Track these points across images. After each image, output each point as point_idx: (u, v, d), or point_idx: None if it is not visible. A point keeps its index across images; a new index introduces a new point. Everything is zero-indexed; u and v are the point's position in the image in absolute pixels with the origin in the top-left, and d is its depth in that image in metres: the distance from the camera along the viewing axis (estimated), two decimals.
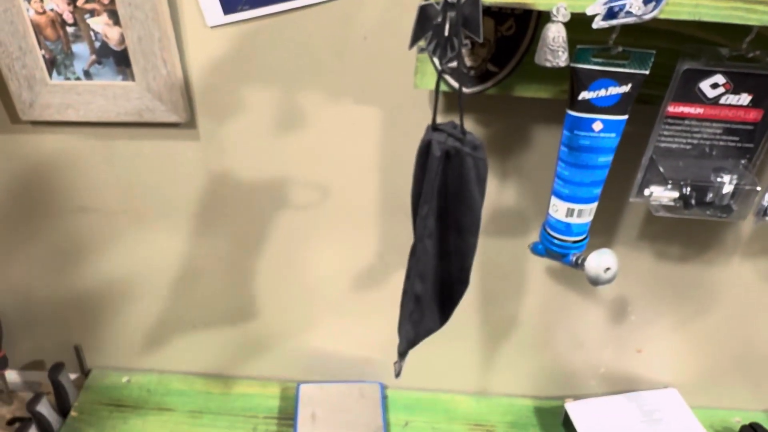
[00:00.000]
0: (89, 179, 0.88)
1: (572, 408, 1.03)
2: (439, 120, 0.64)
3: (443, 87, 0.72)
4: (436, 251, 0.67)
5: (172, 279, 0.99)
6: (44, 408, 0.96)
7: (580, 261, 0.70)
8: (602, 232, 0.89)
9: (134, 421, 1.03)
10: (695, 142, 0.69)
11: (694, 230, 0.89)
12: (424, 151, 0.63)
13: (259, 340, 1.07)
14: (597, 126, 0.64)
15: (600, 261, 0.67)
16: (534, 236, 0.81)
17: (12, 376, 1.09)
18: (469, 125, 0.80)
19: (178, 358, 1.10)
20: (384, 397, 1.08)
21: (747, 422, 1.02)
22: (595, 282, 0.68)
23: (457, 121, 0.61)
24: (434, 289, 0.70)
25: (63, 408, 1.03)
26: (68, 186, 0.89)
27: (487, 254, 0.92)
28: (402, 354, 0.76)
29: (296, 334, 1.06)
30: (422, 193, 0.64)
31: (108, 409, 1.04)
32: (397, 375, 0.77)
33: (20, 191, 0.90)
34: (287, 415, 1.05)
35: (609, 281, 0.68)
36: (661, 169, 0.70)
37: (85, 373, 1.10)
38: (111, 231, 0.94)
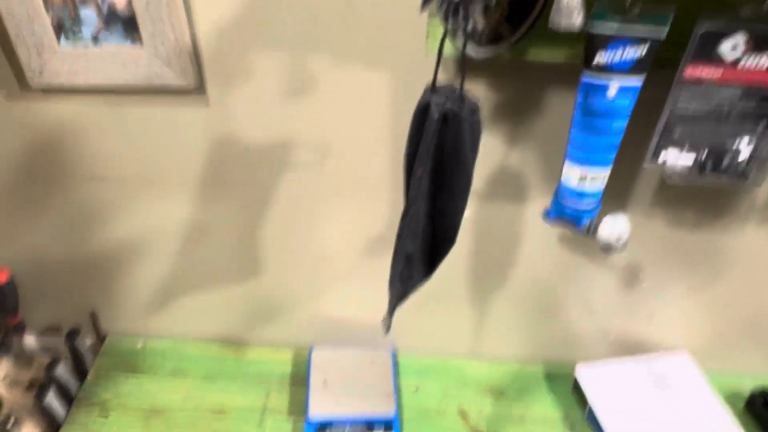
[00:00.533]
0: (100, 146, 0.88)
1: (582, 373, 1.03)
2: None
3: (455, 52, 0.71)
4: (428, 212, 0.68)
5: (185, 245, 0.99)
6: (62, 372, 0.98)
7: (592, 228, 0.70)
8: (615, 198, 0.88)
9: (149, 386, 1.05)
10: (712, 106, 0.68)
11: (708, 196, 0.88)
12: (421, 112, 0.63)
13: (271, 306, 1.08)
14: (612, 90, 0.63)
15: (612, 228, 0.67)
16: (546, 203, 0.81)
17: (29, 340, 1.10)
18: (481, 90, 0.79)
19: (191, 324, 1.11)
20: (395, 363, 1.09)
21: (757, 386, 1.02)
22: (607, 250, 0.68)
23: (456, 83, 0.60)
24: (424, 247, 0.71)
25: (80, 372, 1.05)
26: (80, 153, 0.89)
27: (498, 220, 0.92)
28: (391, 311, 0.77)
29: (308, 299, 1.07)
30: (417, 154, 0.64)
31: (124, 374, 1.06)
32: (387, 331, 0.78)
33: (33, 158, 0.90)
34: (300, 380, 1.06)
35: (621, 248, 0.68)
36: (677, 135, 0.68)
37: (101, 338, 1.12)
38: (123, 197, 0.94)
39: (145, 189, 0.93)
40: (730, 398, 1.04)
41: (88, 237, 0.99)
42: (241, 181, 0.91)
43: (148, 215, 0.96)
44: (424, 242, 0.70)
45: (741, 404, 1.03)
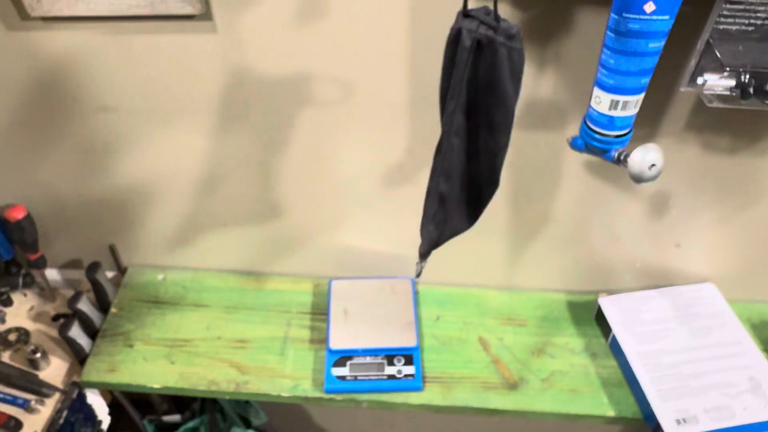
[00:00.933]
0: (107, 77, 0.85)
1: (606, 302, 1.02)
2: (474, 5, 0.58)
3: None
4: (464, 149, 0.64)
5: (201, 177, 0.98)
6: (85, 305, 0.99)
7: (622, 157, 0.66)
8: (645, 123, 0.83)
9: (172, 316, 1.06)
10: (759, 22, 0.62)
11: (745, 120, 0.83)
12: (454, 40, 0.59)
13: (290, 237, 1.07)
14: (649, 7, 0.57)
15: (645, 157, 0.63)
16: (573, 129, 0.77)
17: (52, 274, 1.12)
18: (505, 10, 0.73)
19: (211, 256, 1.11)
20: (415, 293, 1.08)
21: None
22: (638, 179, 0.64)
23: (491, 5, 0.55)
24: (461, 189, 0.68)
25: (103, 305, 1.06)
26: (87, 84, 0.86)
27: (523, 148, 0.88)
28: (423, 255, 0.75)
29: (327, 230, 1.05)
30: (450, 87, 0.60)
31: (147, 305, 1.07)
32: (418, 275, 0.77)
33: (39, 90, 0.87)
34: (320, 310, 1.07)
35: (653, 179, 0.64)
36: (719, 54, 0.63)
37: (121, 271, 1.13)
38: (135, 129, 0.92)
39: (158, 121, 0.90)
40: (757, 328, 1.03)
41: (103, 171, 0.98)
42: (255, 111, 0.88)
43: (162, 147, 0.94)
44: (462, 184, 0.66)
45: (767, 334, 1.02)
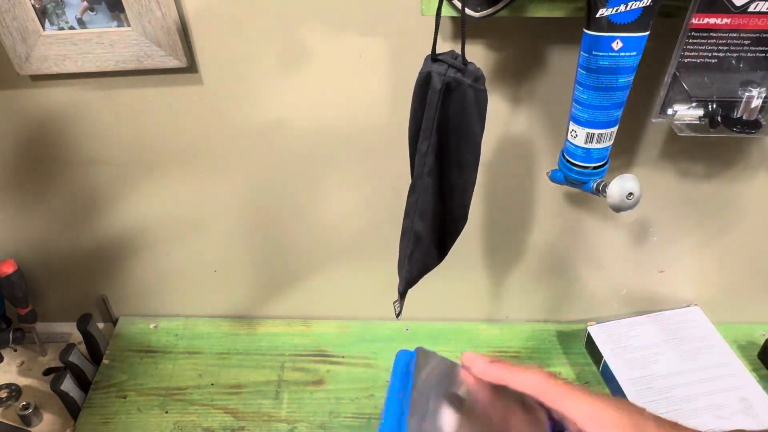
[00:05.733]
0: (96, 131, 0.87)
1: (595, 330, 1.03)
2: (447, 48, 0.61)
3: (451, 12, 0.68)
4: (436, 188, 0.65)
5: (189, 225, 0.99)
6: (77, 358, 0.98)
7: (601, 188, 0.68)
8: (621, 153, 0.86)
9: (165, 364, 1.05)
10: (721, 55, 0.65)
11: (718, 147, 0.86)
12: (423, 83, 0.60)
13: (280, 280, 1.07)
14: (617, 45, 0.60)
15: (622, 187, 0.65)
16: (552, 163, 0.79)
17: (42, 328, 1.11)
18: (479, 51, 0.77)
19: (202, 303, 1.11)
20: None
21: None
22: (617, 209, 0.66)
23: (457, 50, 0.58)
24: (434, 226, 0.68)
25: (95, 356, 1.05)
26: (76, 139, 0.88)
27: (504, 183, 0.91)
28: (402, 294, 0.75)
29: (317, 272, 1.06)
30: (422, 128, 0.62)
31: (139, 355, 1.07)
32: (398, 315, 0.77)
33: (29, 146, 0.89)
34: (313, 351, 1.07)
35: (632, 207, 0.66)
36: (685, 86, 0.66)
37: (113, 321, 1.13)
38: (124, 180, 0.93)
39: (146, 171, 0.92)
40: (744, 349, 1.04)
41: (91, 223, 0.98)
42: (242, 158, 0.89)
43: (151, 197, 0.95)
44: (434, 222, 0.67)
45: (755, 354, 1.03)
